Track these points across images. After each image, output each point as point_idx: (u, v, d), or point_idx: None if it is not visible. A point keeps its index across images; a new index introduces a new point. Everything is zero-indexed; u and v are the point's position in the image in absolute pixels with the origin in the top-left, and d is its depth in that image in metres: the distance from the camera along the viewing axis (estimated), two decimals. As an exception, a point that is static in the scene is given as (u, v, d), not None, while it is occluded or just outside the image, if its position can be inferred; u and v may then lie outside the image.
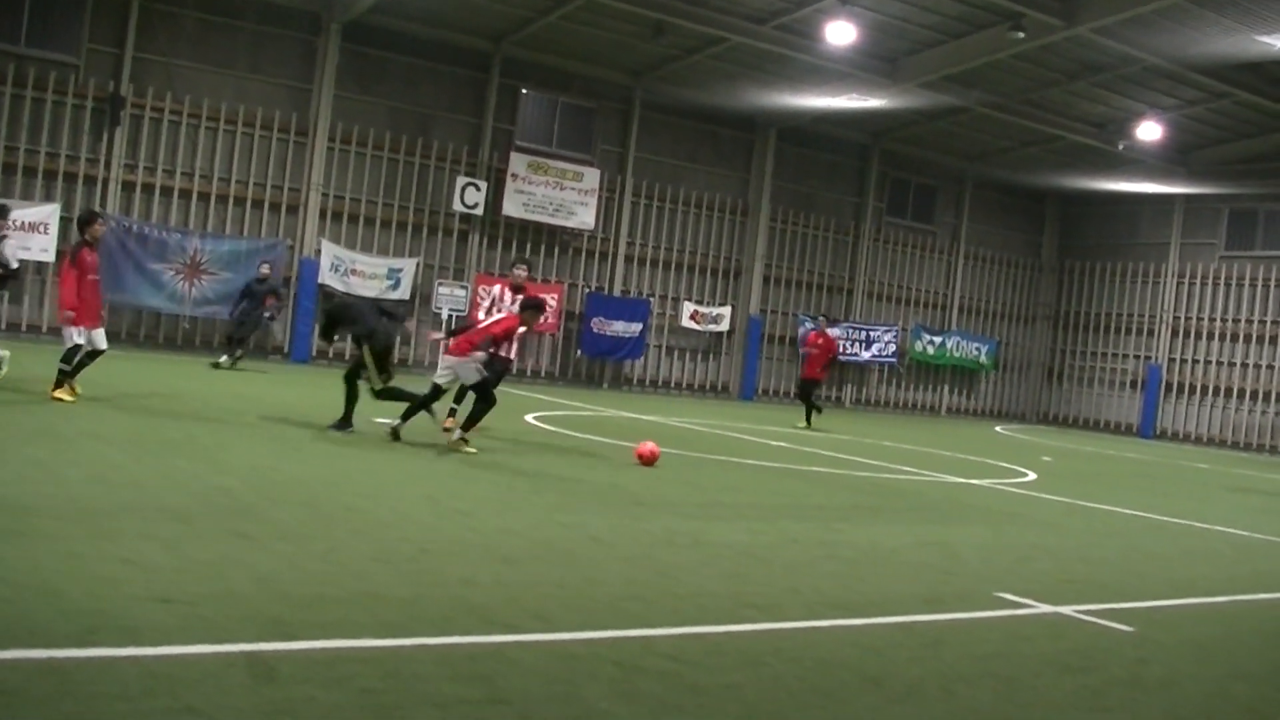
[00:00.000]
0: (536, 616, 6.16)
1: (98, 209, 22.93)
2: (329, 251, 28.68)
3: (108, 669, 4.66)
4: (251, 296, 24.40)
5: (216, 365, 23.18)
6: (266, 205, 28.40)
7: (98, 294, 14.57)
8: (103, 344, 14.37)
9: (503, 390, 15.34)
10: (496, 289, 16.34)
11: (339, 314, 14.68)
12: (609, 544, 8.59)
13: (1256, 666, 7.12)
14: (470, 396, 14.14)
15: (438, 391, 14.08)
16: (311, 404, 16.86)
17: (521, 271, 16.61)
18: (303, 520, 8.26)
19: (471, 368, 13.89)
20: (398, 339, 15.46)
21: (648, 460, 13.87)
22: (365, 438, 13.87)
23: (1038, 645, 6.89)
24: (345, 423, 13.87)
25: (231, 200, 27.98)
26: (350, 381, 14.03)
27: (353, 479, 10.55)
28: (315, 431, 13.85)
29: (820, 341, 25.96)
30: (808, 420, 24.72)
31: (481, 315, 15.92)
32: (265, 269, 24.99)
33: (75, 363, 13.93)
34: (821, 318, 28.08)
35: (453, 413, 15.28)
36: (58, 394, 13.71)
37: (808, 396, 25.20)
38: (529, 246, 31.69)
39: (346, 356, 28.96)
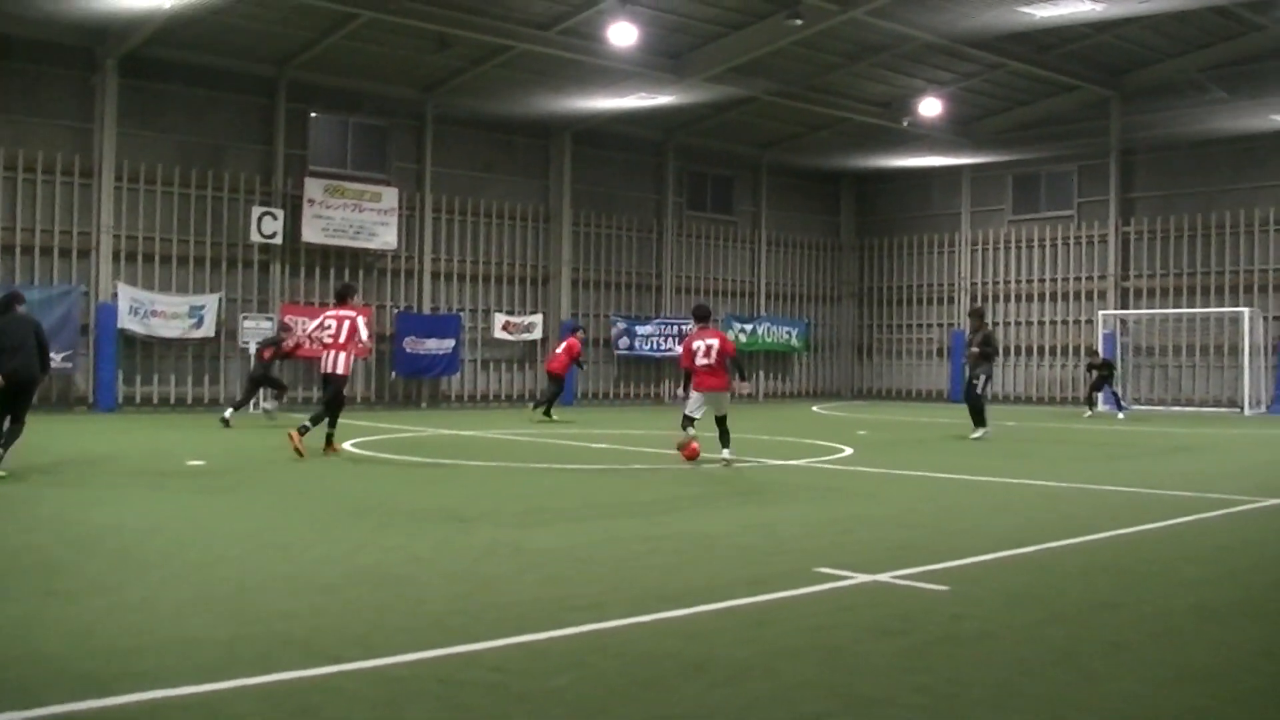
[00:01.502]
0: (358, 643, 6.11)
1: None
2: (126, 294, 27.78)
3: (-92, 747, 4.50)
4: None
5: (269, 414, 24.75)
6: (56, 251, 27.42)
7: None
8: None
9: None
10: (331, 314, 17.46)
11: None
12: (430, 562, 8.56)
13: (1068, 608, 7.40)
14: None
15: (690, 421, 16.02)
16: (119, 450, 16.37)
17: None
18: (116, 570, 8.06)
19: (728, 398, 16.40)
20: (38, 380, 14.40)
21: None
22: (176, 479, 13.53)
23: (858, 614, 7.06)
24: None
25: (19, 248, 26.91)
26: None
27: (167, 523, 10.30)
28: (125, 479, 13.47)
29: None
30: (548, 412, 26.77)
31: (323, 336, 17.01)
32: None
33: None
34: (580, 329, 29.50)
35: (304, 430, 15.93)
36: None
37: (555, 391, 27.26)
38: (333, 272, 31.21)
39: (155, 400, 28.35)
